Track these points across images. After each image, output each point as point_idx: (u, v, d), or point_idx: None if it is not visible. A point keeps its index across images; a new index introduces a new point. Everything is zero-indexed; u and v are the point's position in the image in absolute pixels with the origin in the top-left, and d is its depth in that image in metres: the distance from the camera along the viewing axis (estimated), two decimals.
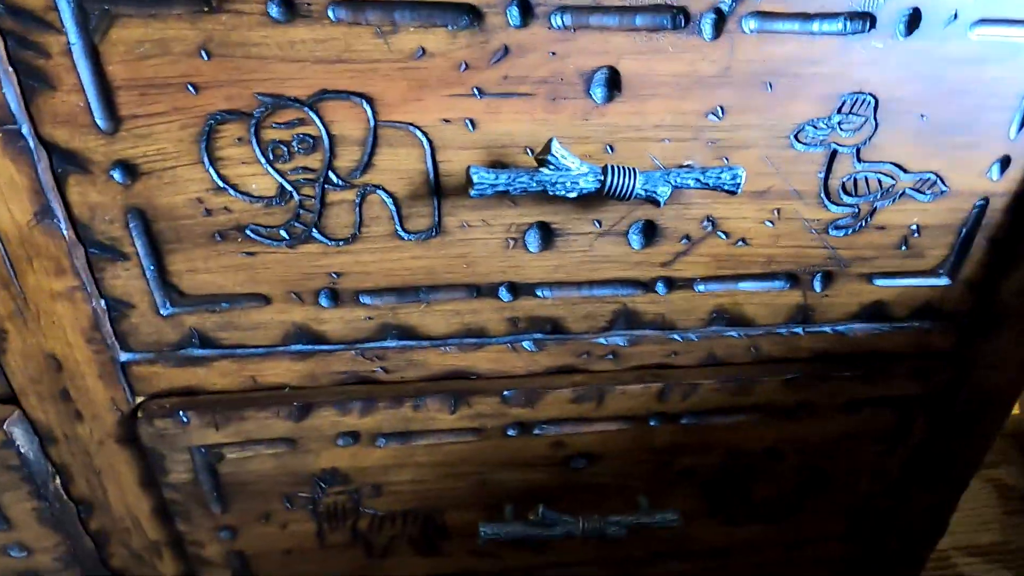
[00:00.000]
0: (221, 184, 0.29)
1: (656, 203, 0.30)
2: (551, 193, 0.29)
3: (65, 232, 0.29)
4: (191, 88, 0.27)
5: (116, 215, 0.30)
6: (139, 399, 0.35)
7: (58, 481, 0.36)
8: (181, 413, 0.34)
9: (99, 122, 0.27)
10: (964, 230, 0.36)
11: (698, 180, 0.30)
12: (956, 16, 0.29)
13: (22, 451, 0.34)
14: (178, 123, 0.28)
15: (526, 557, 0.45)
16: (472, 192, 0.28)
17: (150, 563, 0.40)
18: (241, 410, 0.35)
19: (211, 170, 0.29)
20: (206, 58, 0.26)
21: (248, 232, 0.31)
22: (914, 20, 0.29)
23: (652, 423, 0.39)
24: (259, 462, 0.37)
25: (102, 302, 0.32)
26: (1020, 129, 0.33)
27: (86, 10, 0.25)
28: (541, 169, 0.29)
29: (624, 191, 0.29)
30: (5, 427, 0.33)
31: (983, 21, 0.29)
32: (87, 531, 0.39)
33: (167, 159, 0.29)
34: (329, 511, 0.40)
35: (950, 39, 0.30)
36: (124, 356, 0.33)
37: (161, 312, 0.32)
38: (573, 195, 0.29)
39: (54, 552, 0.38)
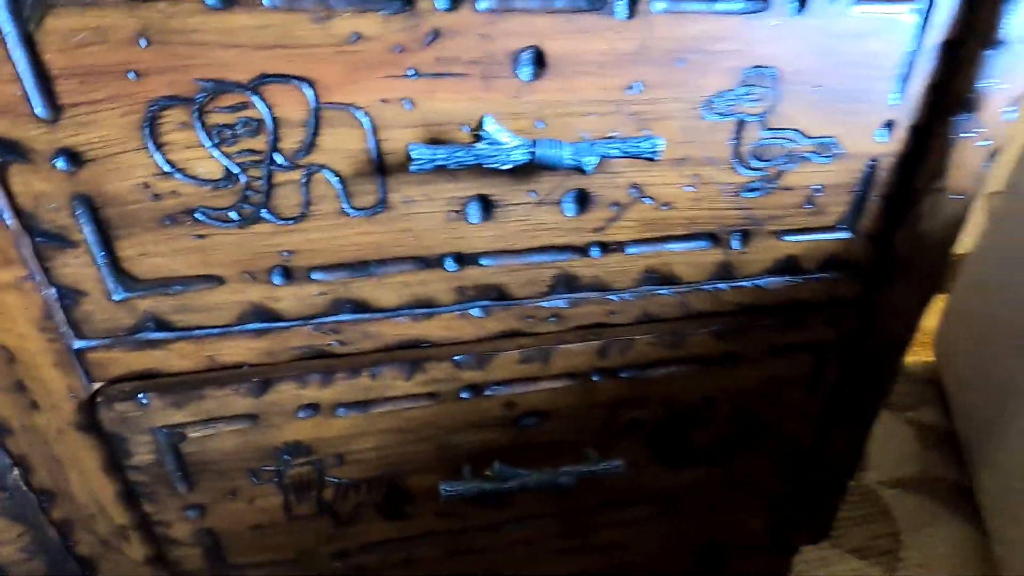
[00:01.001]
0: (168, 169, 0.30)
1: (584, 172, 0.33)
2: (487, 166, 0.31)
3: (10, 222, 0.30)
4: (132, 75, 0.28)
5: (62, 203, 0.30)
6: (97, 385, 0.35)
7: (16, 472, 0.37)
8: (141, 396, 0.35)
9: (39, 111, 0.28)
10: (859, 188, 0.40)
11: (621, 149, 0.33)
12: None
13: None
14: (120, 110, 0.29)
15: (487, 515, 0.48)
16: (412, 168, 0.30)
17: (117, 547, 0.41)
18: (201, 389, 0.36)
19: (157, 155, 0.30)
20: (145, 45, 0.27)
21: (198, 215, 0.32)
22: None
23: (595, 379, 0.42)
24: (222, 439, 0.38)
25: (53, 291, 0.32)
26: (900, 96, 0.37)
27: (19, 0, 0.25)
28: (476, 144, 0.31)
29: (555, 162, 0.32)
30: None
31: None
32: (50, 520, 0.39)
33: (111, 146, 0.29)
34: (294, 483, 0.41)
35: (836, 16, 0.33)
36: (79, 343, 0.34)
37: (114, 298, 0.33)
38: (507, 167, 0.31)
39: (17, 543, 0.39)
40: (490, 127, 0.31)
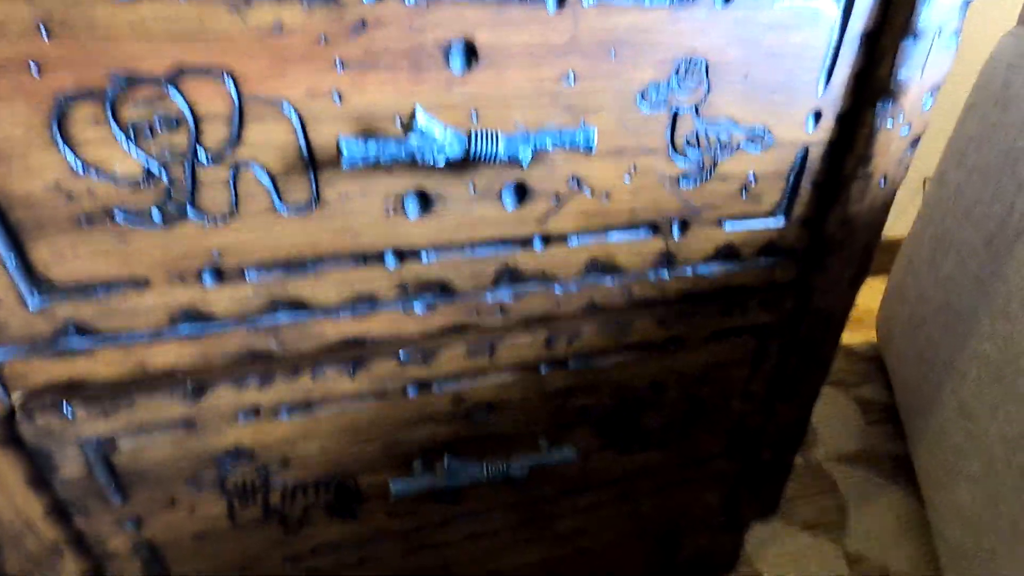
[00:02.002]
0: (80, 167, 0.29)
1: (520, 164, 0.33)
2: (420, 160, 0.31)
3: None
4: (34, 68, 0.26)
5: None
6: (16, 397, 0.33)
7: None
8: (65, 406, 0.34)
9: None
10: (792, 176, 0.41)
11: (556, 141, 0.33)
12: None
13: None
14: (24, 106, 0.27)
15: (441, 511, 0.48)
16: (344, 162, 0.30)
17: (50, 565, 0.39)
18: (131, 397, 0.35)
19: (68, 153, 0.28)
20: (47, 37, 0.26)
21: (117, 216, 0.30)
22: None
23: (543, 370, 0.43)
24: (157, 447, 0.37)
25: None
26: (826, 86, 0.38)
27: None
28: (408, 137, 0.30)
29: (489, 155, 0.32)
30: None
31: None
32: None
33: (16, 144, 0.28)
34: (238, 489, 0.40)
35: (760, 8, 0.34)
36: None
37: (29, 305, 0.31)
38: (441, 161, 0.31)
39: None
40: (422, 120, 0.30)
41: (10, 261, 0.30)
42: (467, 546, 0.51)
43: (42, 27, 0.25)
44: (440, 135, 0.31)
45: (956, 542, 0.63)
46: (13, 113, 0.27)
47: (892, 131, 0.40)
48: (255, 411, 0.38)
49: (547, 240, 0.38)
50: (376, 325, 0.38)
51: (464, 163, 0.34)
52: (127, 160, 0.29)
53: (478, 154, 0.31)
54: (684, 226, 0.41)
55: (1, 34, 0.25)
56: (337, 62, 0.30)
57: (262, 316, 0.35)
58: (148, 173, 0.30)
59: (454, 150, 0.31)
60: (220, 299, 0.34)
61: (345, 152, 0.29)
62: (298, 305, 0.36)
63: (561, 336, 0.42)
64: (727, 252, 0.43)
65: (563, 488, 0.51)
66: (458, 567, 0.52)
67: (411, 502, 0.46)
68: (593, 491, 0.52)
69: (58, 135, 0.28)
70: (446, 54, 0.31)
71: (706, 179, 0.39)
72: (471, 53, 0.31)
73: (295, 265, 0.35)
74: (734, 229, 0.42)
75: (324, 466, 0.42)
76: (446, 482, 0.41)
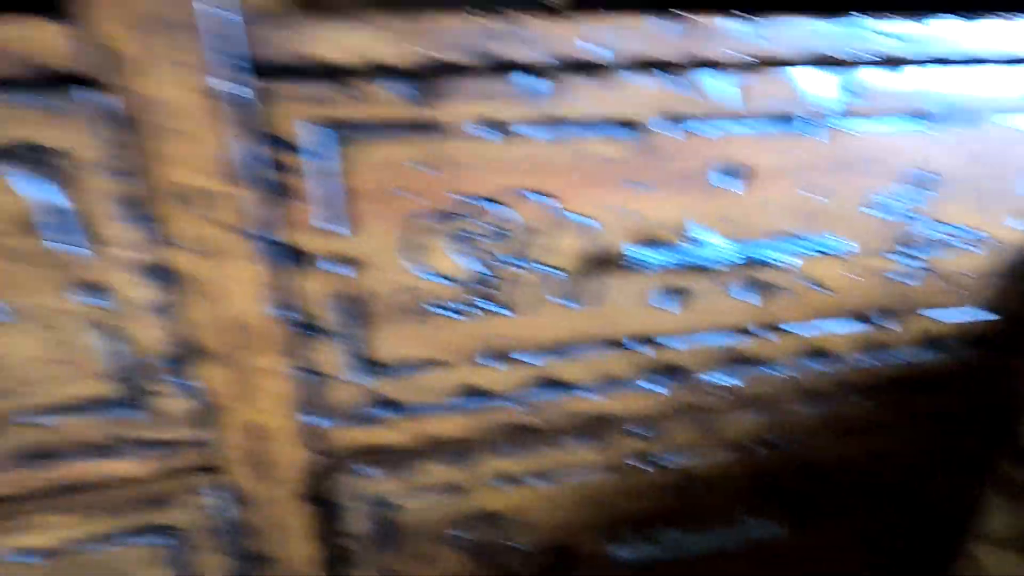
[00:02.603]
0: (420, 270, 0.35)
1: (771, 266, 0.37)
2: (695, 266, 0.35)
3: (285, 317, 0.34)
4: (404, 193, 0.33)
5: (327, 300, 0.34)
6: (326, 459, 0.39)
7: (246, 539, 0.40)
8: (363, 468, 0.39)
9: (325, 224, 0.32)
10: (1004, 273, 0.43)
11: (804, 246, 0.37)
12: (990, 108, 0.37)
13: (220, 514, 0.38)
14: (390, 222, 0.33)
15: (630, 573, 0.50)
16: (632, 268, 0.34)
17: None
18: (414, 462, 0.39)
19: (413, 259, 0.34)
20: (421, 169, 0.32)
21: (439, 309, 0.36)
22: (959, 114, 0.37)
23: (757, 449, 0.45)
24: (427, 508, 0.41)
25: (303, 375, 0.36)
26: None
27: (327, 136, 0.30)
28: (687, 246, 0.35)
29: (750, 259, 0.36)
30: (209, 492, 0.37)
31: (1010, 111, 0.37)
32: None
33: (375, 251, 0.34)
34: (482, 549, 0.44)
35: (988, 126, 0.38)
36: (317, 421, 0.38)
37: (354, 380, 0.37)
38: (714, 267, 0.35)
39: None
40: (699, 230, 0.35)
41: (348, 345, 0.36)
42: None
43: (419, 163, 0.32)
44: (715, 243, 0.35)
45: None
46: (381, 227, 0.33)
47: None
48: (509, 478, 0.42)
49: (776, 330, 0.42)
50: (618, 403, 0.42)
51: (722, 264, 0.38)
52: (457, 264, 0.35)
53: (744, 259, 0.35)
54: (898, 317, 0.43)
55: (390, 168, 0.32)
56: (631, 182, 0.35)
57: (527, 393, 0.40)
58: (471, 275, 0.35)
59: (726, 256, 0.35)
60: (497, 378, 0.39)
61: (635, 259, 0.34)
62: (558, 384, 0.40)
63: (777, 418, 0.44)
64: (934, 342, 0.45)
65: (745, 554, 0.52)
66: None
67: (617, 565, 0.48)
68: (775, 561, 0.53)
69: (408, 244, 0.34)
70: (722, 174, 0.36)
71: (926, 276, 0.42)
72: (742, 173, 0.36)
73: (562, 349, 0.39)
74: (947, 321, 0.44)
75: (554, 530, 0.45)
76: (668, 553, 0.43)
